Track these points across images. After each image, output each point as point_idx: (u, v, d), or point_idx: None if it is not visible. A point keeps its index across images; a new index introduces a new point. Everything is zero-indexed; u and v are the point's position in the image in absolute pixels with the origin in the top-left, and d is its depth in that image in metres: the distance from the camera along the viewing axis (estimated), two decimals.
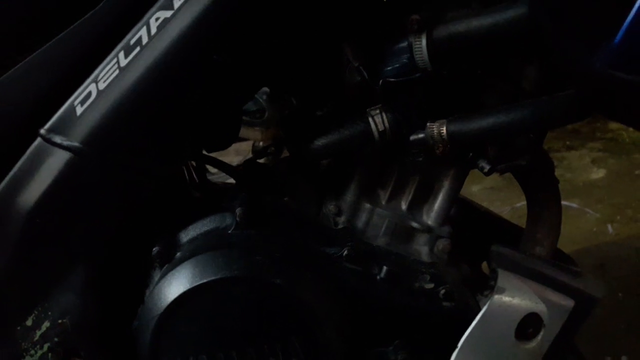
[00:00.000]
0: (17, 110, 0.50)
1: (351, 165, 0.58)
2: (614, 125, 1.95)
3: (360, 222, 0.59)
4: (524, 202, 0.64)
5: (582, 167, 1.78)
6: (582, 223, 1.48)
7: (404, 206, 0.59)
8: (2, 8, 0.48)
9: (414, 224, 0.59)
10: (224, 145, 0.55)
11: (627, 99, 0.41)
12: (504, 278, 0.55)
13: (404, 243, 0.59)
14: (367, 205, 0.59)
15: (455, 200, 0.60)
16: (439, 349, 0.53)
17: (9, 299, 0.53)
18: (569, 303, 0.56)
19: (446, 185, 0.59)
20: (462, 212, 0.66)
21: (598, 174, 1.77)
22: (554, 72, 0.51)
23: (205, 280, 0.50)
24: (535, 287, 0.56)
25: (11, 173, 0.51)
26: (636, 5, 0.36)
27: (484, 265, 0.67)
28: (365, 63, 0.50)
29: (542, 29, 0.42)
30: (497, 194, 1.51)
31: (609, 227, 1.46)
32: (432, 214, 0.59)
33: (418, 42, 0.47)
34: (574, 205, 1.51)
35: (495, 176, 0.62)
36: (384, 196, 0.59)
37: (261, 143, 0.76)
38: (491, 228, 0.69)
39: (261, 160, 0.67)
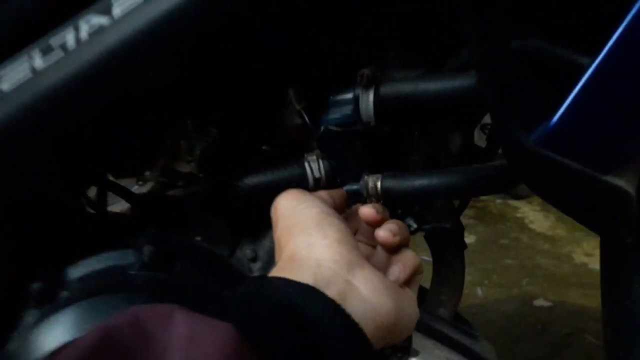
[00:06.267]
0: None
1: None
2: (483, 196, 2.15)
3: None
4: None
5: None
6: None
7: None
8: None
9: None
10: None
11: (550, 175, 0.45)
12: (417, 341, 0.55)
13: None
14: None
15: None
16: None
17: None
18: None
19: None
20: None
21: (469, 239, 1.92)
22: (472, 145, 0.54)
23: None
24: (444, 352, 0.57)
25: None
26: (572, 94, 0.39)
27: None
28: (308, 108, 0.49)
29: (485, 101, 0.44)
30: None
31: (479, 290, 1.57)
32: None
33: (365, 96, 0.47)
34: None
35: None
36: None
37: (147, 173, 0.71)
38: None
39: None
